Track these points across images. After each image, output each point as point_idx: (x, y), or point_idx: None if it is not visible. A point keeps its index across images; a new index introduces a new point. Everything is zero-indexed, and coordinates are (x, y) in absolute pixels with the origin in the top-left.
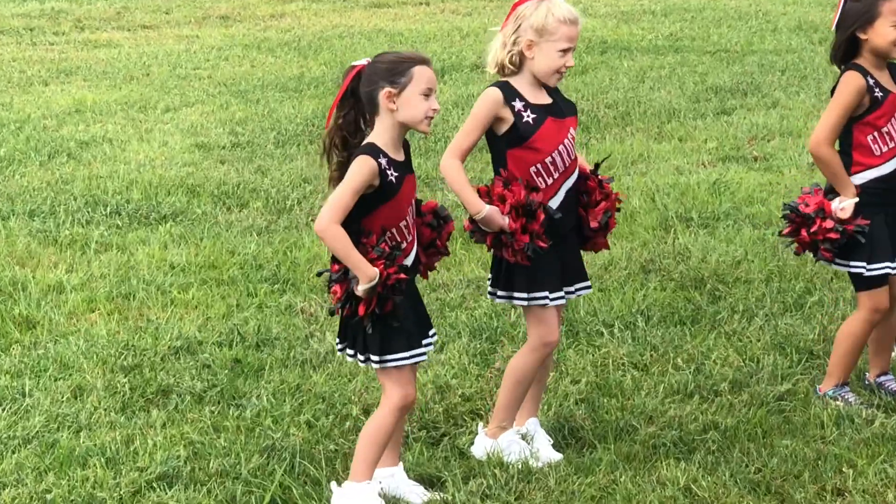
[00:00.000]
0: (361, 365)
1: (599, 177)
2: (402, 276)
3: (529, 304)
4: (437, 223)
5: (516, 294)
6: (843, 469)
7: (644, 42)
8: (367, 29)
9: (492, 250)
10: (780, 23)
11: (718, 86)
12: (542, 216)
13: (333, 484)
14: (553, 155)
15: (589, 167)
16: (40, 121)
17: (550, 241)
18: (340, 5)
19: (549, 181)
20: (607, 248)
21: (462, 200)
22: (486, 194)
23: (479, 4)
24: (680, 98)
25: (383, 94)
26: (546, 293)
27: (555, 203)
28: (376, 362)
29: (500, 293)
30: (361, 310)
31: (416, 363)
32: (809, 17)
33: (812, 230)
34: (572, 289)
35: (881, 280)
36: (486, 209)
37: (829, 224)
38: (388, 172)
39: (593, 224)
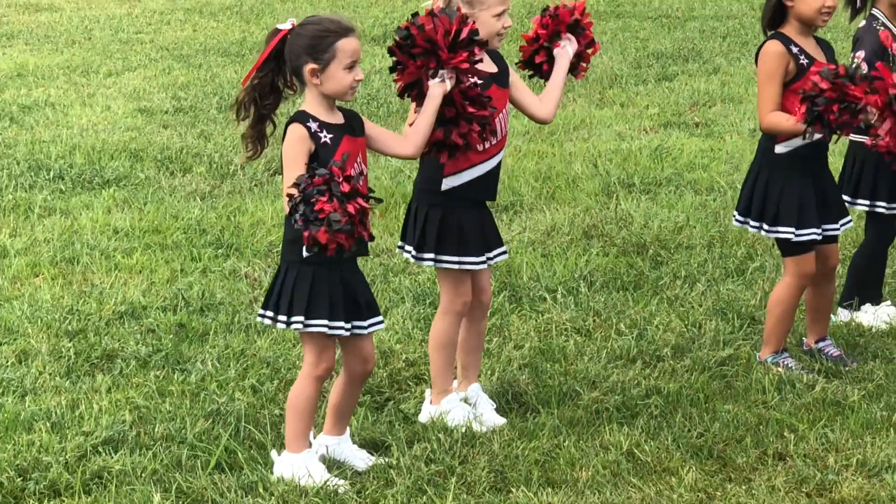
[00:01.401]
0: (280, 327)
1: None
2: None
3: (442, 266)
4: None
5: (445, 257)
6: (785, 434)
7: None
8: None
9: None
10: None
11: (660, 52)
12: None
13: (274, 453)
14: (496, 120)
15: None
16: None
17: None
18: None
19: (487, 145)
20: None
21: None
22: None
23: None
24: (621, 64)
25: (307, 70)
26: (474, 258)
27: (484, 168)
28: (298, 323)
29: (425, 256)
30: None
31: (333, 335)
32: None
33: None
34: (493, 254)
35: (808, 246)
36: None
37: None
38: (321, 135)
39: (578, 49)
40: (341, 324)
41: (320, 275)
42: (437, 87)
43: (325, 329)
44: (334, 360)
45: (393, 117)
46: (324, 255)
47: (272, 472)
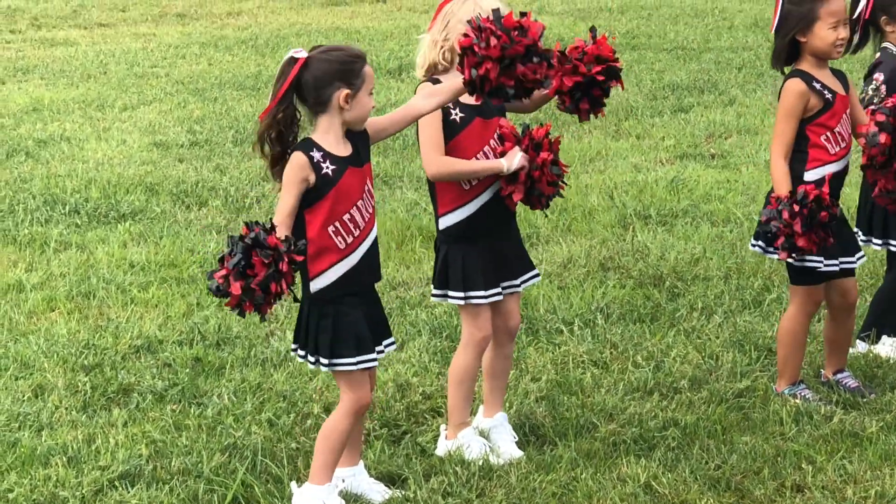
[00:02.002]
0: (311, 367)
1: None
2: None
3: (466, 303)
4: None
5: (451, 293)
6: (803, 465)
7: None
8: (324, 27)
9: (529, 206)
10: (736, 20)
11: (675, 83)
12: (553, 143)
13: (294, 484)
14: (478, 156)
15: None
16: None
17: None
18: (297, 3)
19: (474, 183)
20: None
21: (482, 172)
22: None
23: (435, 2)
24: (637, 95)
25: (340, 96)
26: (480, 292)
27: (478, 204)
28: (325, 365)
29: (435, 291)
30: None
31: (365, 369)
32: (765, 15)
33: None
34: (517, 282)
35: (823, 277)
36: (505, 159)
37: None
38: (323, 165)
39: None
40: (371, 356)
41: (340, 312)
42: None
43: (352, 367)
44: (370, 395)
45: (409, 150)
46: (224, 300)
47: (290, 500)
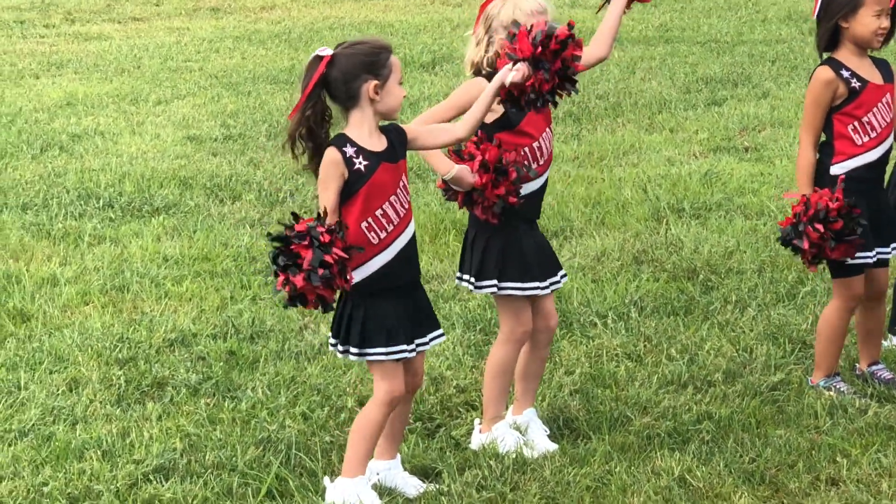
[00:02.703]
0: (340, 356)
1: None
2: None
3: (500, 293)
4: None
5: (508, 284)
6: (837, 459)
7: (634, 33)
8: (357, 20)
9: (463, 208)
10: (769, 13)
11: (709, 76)
12: (514, 174)
13: (327, 479)
14: (540, 140)
15: None
16: (32, 114)
17: (522, 199)
18: None
19: (534, 166)
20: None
21: (431, 164)
22: (455, 153)
23: None
24: (671, 89)
25: (369, 87)
26: (537, 283)
27: (532, 187)
28: (355, 354)
29: (484, 284)
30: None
31: (398, 360)
32: (799, 7)
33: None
34: (546, 283)
35: (859, 269)
36: (455, 168)
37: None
38: (356, 161)
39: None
40: (402, 347)
41: (373, 304)
42: (506, 73)
43: (382, 357)
44: (403, 386)
45: None
46: (303, 305)
47: (323, 500)
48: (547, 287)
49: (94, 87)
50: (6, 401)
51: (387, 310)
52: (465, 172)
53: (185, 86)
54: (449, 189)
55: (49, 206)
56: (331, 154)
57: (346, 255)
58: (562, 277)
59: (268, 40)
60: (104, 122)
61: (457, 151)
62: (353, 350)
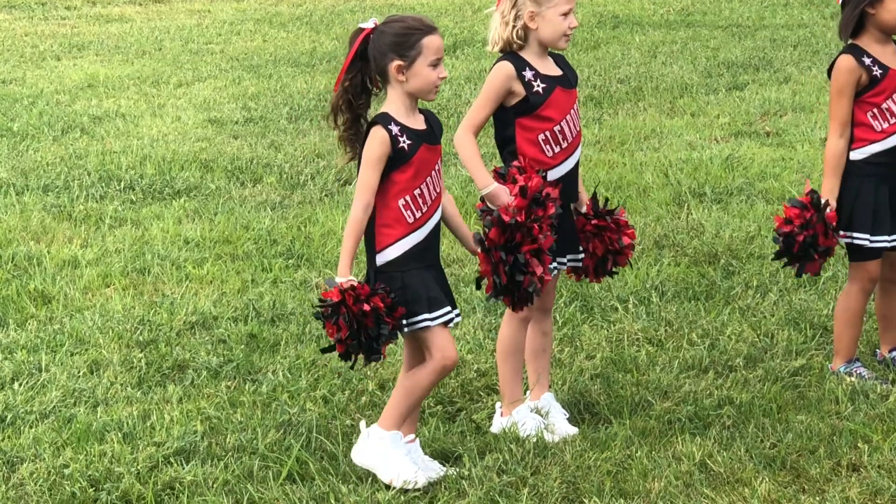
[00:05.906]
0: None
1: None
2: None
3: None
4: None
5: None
6: (859, 444)
7: (656, 17)
8: (378, 3)
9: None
10: None
11: (730, 61)
12: (552, 209)
13: (363, 423)
14: (561, 124)
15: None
16: (53, 96)
17: (558, 184)
18: None
19: (557, 150)
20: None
21: (472, 175)
22: (499, 174)
23: None
24: (692, 73)
25: (393, 66)
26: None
27: (560, 172)
28: (405, 326)
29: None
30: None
31: (445, 322)
32: None
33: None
34: (564, 259)
35: (877, 253)
36: (493, 185)
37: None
38: (400, 139)
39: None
40: (447, 308)
41: (407, 275)
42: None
43: (430, 323)
44: (455, 351)
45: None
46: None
47: (344, 477)
48: (565, 264)
49: (115, 70)
50: (27, 382)
51: (424, 277)
52: (501, 191)
53: (207, 68)
54: (485, 210)
55: (70, 188)
56: (378, 134)
57: (388, 302)
58: (573, 261)
59: (289, 23)
60: (125, 104)
61: (502, 174)
62: (403, 323)
